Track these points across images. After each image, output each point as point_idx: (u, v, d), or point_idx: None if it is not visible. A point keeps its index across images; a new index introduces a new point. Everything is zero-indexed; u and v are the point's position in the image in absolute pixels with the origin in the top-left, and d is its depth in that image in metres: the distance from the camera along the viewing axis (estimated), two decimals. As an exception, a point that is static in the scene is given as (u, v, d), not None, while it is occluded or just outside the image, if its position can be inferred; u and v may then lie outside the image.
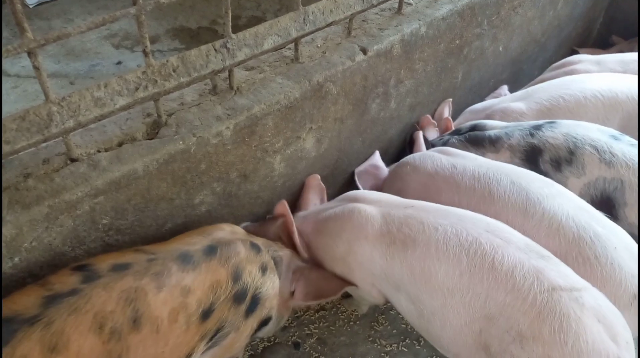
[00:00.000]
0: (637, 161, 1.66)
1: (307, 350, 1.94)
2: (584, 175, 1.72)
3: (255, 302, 1.42)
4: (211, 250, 1.36)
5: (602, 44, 3.24)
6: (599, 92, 1.98)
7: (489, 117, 2.13)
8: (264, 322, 1.51)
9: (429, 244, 1.43)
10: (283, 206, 1.68)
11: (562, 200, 1.54)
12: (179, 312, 1.22)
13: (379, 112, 2.04)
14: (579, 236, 1.46)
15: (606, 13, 3.28)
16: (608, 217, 1.54)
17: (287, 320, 2.04)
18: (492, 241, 1.37)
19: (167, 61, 1.33)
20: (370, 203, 1.62)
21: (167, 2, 1.22)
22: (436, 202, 1.69)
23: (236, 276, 1.36)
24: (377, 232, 1.52)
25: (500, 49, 2.49)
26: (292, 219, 1.66)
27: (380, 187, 1.96)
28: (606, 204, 1.67)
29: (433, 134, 2.23)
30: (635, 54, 2.36)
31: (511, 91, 2.63)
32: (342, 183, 2.12)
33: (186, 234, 1.43)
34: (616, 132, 1.78)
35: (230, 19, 1.40)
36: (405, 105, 2.16)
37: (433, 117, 2.30)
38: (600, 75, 2.12)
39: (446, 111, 2.32)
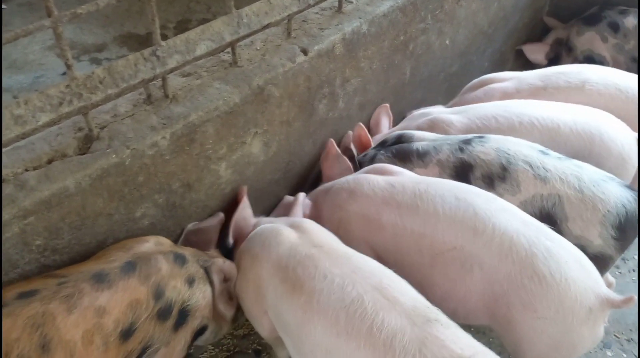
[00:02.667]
0: (569, 174, 1.64)
1: (267, 357, 1.92)
2: (520, 192, 1.69)
3: (184, 315, 1.39)
4: (130, 267, 1.32)
5: (549, 32, 3.29)
6: (537, 120, 1.91)
7: (419, 126, 2.07)
8: (200, 331, 1.48)
9: (312, 293, 1.31)
10: (242, 192, 1.71)
11: (509, 215, 1.51)
12: (93, 333, 1.19)
13: (327, 112, 2.03)
14: (531, 253, 1.43)
15: (551, 2, 3.34)
16: (553, 229, 1.53)
17: (247, 328, 2.01)
18: (375, 302, 1.23)
19: (92, 73, 1.29)
20: (297, 232, 1.53)
21: (84, 13, 1.17)
22: (378, 225, 1.63)
23: (158, 293, 1.33)
24: (276, 262, 1.44)
25: (447, 42, 2.50)
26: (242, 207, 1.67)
27: (317, 217, 1.81)
28: (547, 220, 1.63)
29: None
30: (559, 67, 2.27)
31: (460, 84, 2.64)
32: (294, 186, 2.10)
33: (106, 250, 1.39)
34: (543, 148, 1.76)
35: (157, 26, 1.36)
36: (354, 104, 2.15)
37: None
38: (545, 103, 2.01)
39: (383, 117, 2.24)
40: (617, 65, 2.90)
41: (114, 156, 1.36)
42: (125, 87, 1.33)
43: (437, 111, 2.16)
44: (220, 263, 1.52)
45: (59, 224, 1.33)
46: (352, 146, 2.05)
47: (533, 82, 2.18)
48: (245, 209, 1.70)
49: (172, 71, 1.42)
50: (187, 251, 1.49)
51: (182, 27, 3.32)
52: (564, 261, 1.42)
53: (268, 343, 1.95)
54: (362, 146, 2.11)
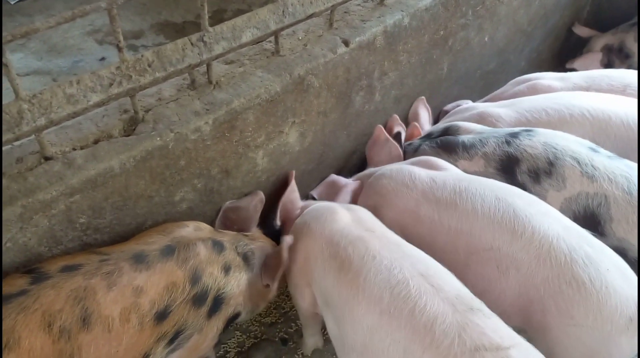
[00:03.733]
0: (618, 175, 1.60)
1: (293, 346, 1.93)
2: (565, 189, 1.65)
3: (218, 303, 1.40)
4: (169, 251, 1.34)
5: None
6: (588, 111, 1.87)
7: (466, 121, 2.03)
8: (233, 318, 1.50)
9: (360, 271, 1.35)
10: (291, 176, 1.78)
11: (550, 219, 1.48)
12: (130, 312, 1.21)
13: (363, 105, 2.02)
14: (571, 258, 1.39)
15: (593, 1, 3.26)
16: (594, 235, 1.49)
17: (275, 317, 2.03)
18: (420, 286, 1.26)
19: (142, 56, 1.31)
20: (350, 214, 1.57)
21: (138, -5, 1.19)
22: (414, 217, 1.63)
23: (195, 278, 1.34)
24: (329, 237, 1.48)
25: (486, 39, 2.47)
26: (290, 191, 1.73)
27: (352, 200, 1.85)
28: (591, 220, 1.60)
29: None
30: (604, 70, 2.25)
31: (497, 81, 2.61)
32: (327, 177, 2.10)
33: (147, 232, 1.41)
34: (593, 145, 1.72)
35: (206, 11, 1.37)
36: (390, 97, 2.14)
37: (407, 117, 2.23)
38: (594, 94, 1.98)
39: (421, 110, 2.22)
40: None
41: (158, 139, 1.38)
42: (173, 71, 1.34)
43: (484, 105, 2.13)
44: (262, 246, 1.55)
45: (103, 203, 1.36)
46: (402, 131, 2.06)
47: (577, 82, 2.18)
48: (292, 192, 1.73)
49: (217, 57, 1.44)
50: (226, 237, 1.50)
51: (218, 17, 3.35)
52: (605, 268, 1.38)
53: (295, 332, 1.97)
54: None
